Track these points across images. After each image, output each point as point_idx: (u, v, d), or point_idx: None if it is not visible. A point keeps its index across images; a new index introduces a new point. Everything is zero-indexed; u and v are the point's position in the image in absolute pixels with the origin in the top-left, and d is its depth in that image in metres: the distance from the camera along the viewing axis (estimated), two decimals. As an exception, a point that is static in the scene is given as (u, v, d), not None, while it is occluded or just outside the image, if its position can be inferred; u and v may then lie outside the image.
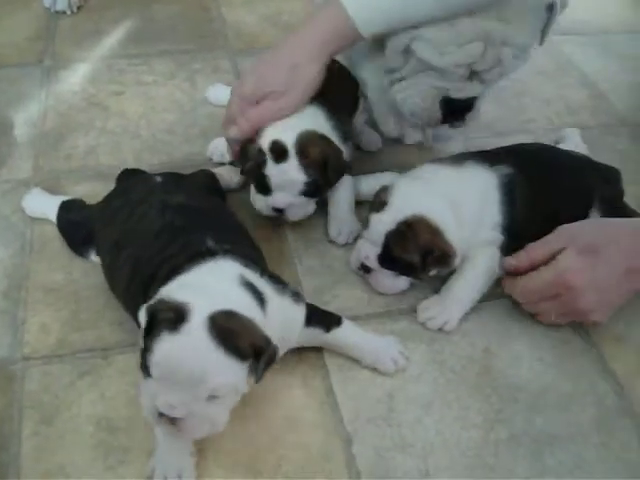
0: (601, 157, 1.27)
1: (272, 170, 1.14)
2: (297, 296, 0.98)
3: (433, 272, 1.10)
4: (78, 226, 1.15)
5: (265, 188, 1.16)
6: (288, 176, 1.14)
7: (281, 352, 0.94)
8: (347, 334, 1.03)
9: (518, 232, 1.12)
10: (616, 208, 1.19)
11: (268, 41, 1.65)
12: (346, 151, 1.21)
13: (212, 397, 0.82)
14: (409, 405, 1.00)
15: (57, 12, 1.76)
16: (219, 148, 1.34)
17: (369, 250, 1.10)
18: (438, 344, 1.08)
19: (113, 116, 1.46)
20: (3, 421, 0.95)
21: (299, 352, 1.04)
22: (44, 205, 1.21)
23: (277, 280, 0.97)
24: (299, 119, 1.16)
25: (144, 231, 1.02)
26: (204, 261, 0.92)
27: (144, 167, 1.26)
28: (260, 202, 1.19)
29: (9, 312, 1.05)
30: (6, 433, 0.94)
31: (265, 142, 1.15)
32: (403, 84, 1.22)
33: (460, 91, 1.20)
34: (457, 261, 1.09)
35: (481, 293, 1.11)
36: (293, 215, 1.19)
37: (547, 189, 1.15)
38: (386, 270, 1.11)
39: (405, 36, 1.16)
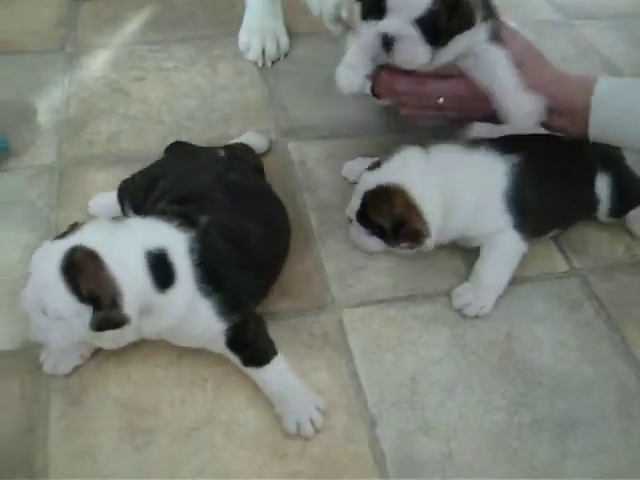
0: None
1: None
2: (225, 315, 0.94)
3: (404, 245, 1.10)
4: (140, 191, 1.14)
5: (379, 8, 1.01)
6: None
7: (193, 343, 0.98)
8: (267, 376, 0.97)
9: (531, 212, 1.11)
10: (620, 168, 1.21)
11: (289, 25, 1.65)
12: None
13: (47, 313, 0.87)
14: (432, 388, 1.01)
15: (77, -1, 1.77)
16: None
17: (354, 201, 1.13)
18: (461, 328, 1.08)
19: (135, 102, 1.47)
20: (31, 404, 0.96)
21: (324, 336, 1.05)
22: (110, 203, 1.20)
23: (220, 288, 0.94)
24: None
25: (189, 186, 1.06)
26: (168, 221, 0.95)
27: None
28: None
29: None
30: (34, 415, 0.95)
31: None
32: None
33: None
34: (430, 243, 1.09)
35: (510, 274, 1.11)
36: (401, 53, 1.02)
37: (553, 171, 1.14)
38: (361, 227, 1.13)
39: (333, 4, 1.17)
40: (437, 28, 1.00)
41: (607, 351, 1.07)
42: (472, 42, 1.04)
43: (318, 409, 0.96)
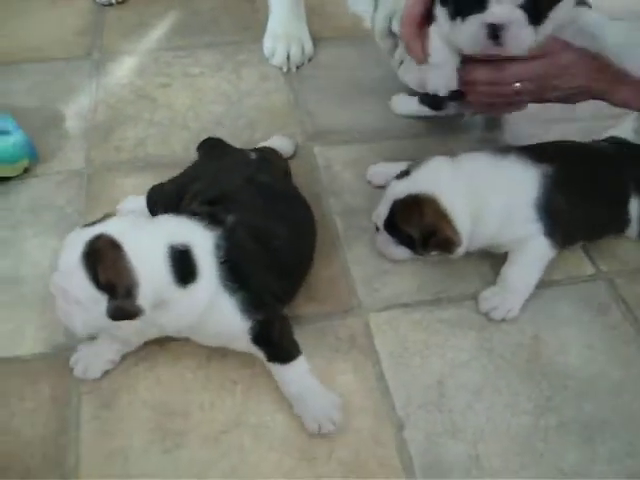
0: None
1: None
2: (249, 314, 0.94)
3: (434, 253, 1.10)
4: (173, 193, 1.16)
5: (480, 0, 0.99)
6: None
7: (215, 342, 0.99)
8: (288, 375, 0.97)
9: (563, 221, 1.11)
10: None
11: (313, 30, 1.66)
12: None
13: (66, 297, 0.90)
14: (459, 391, 1.01)
15: (103, 4, 1.78)
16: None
17: (381, 211, 1.12)
18: (487, 331, 1.09)
19: (161, 108, 1.48)
20: (62, 406, 0.98)
21: (350, 338, 1.06)
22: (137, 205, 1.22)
23: (245, 287, 0.95)
24: None
25: (221, 187, 1.07)
26: (197, 220, 0.97)
27: (192, 158, 1.28)
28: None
29: (66, 300, 1.07)
30: (65, 417, 0.97)
31: None
32: (405, 66, 1.23)
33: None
34: (461, 251, 1.08)
35: (537, 279, 1.11)
36: (512, 39, 1.00)
37: (587, 185, 1.14)
38: (388, 235, 1.12)
39: (385, 18, 1.16)
40: (537, 5, 0.99)
41: (635, 354, 1.07)
42: (566, 11, 1.03)
43: (336, 407, 0.96)
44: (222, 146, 1.24)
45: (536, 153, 1.13)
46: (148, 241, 0.91)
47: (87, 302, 0.88)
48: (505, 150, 1.15)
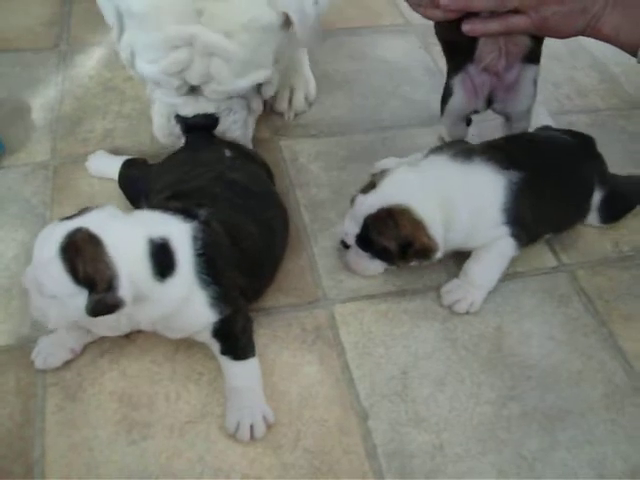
0: (611, 139, 1.28)
1: None
2: (218, 307, 0.95)
3: (414, 263, 1.10)
4: (138, 181, 1.18)
5: None
6: None
7: (181, 334, 0.99)
8: (235, 368, 0.98)
9: (528, 223, 1.12)
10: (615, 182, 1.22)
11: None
12: None
13: (42, 291, 0.89)
14: (423, 381, 1.02)
15: (70, -4, 1.77)
16: None
17: (350, 227, 1.09)
18: (451, 323, 1.10)
19: (129, 100, 1.48)
20: (27, 398, 0.97)
21: (316, 330, 1.07)
22: (107, 165, 1.26)
23: (217, 280, 0.95)
24: None
25: (192, 185, 1.07)
26: (172, 213, 0.97)
27: (160, 150, 1.29)
28: None
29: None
30: (30, 409, 0.96)
31: None
32: (152, 105, 1.24)
33: (186, 106, 1.18)
34: (438, 255, 1.08)
35: (499, 275, 1.12)
36: None
37: (553, 186, 1.15)
38: (361, 251, 1.11)
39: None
40: None
41: (595, 345, 1.09)
42: None
43: (265, 420, 0.95)
44: (203, 139, 1.23)
45: (500, 155, 1.13)
46: (127, 234, 0.91)
47: (63, 296, 0.88)
48: (466, 153, 1.13)
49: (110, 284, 0.86)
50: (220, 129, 1.21)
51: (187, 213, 0.97)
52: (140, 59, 1.15)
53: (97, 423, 0.95)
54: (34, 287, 0.90)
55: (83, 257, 0.86)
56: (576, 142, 1.22)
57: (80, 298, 0.87)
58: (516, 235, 1.11)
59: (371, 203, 1.07)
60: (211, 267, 0.94)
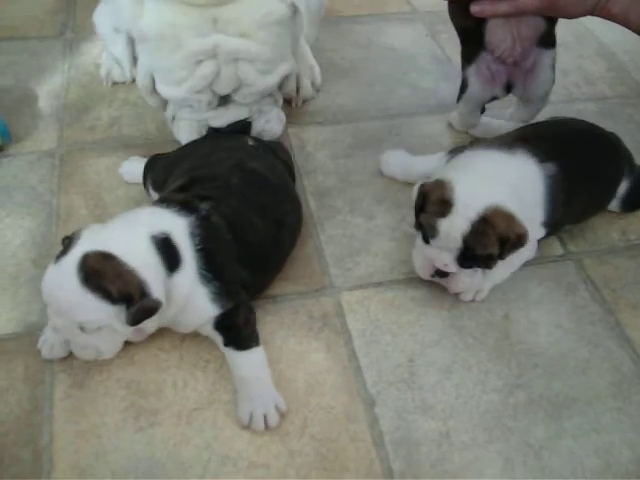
0: (619, 128, 1.27)
1: None
2: (220, 303, 0.96)
3: (509, 254, 1.05)
4: (157, 169, 1.17)
5: None
6: None
7: (186, 329, 1.00)
8: (241, 359, 0.97)
9: (556, 225, 1.13)
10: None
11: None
12: None
13: (86, 328, 0.89)
14: (430, 369, 1.02)
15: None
16: None
17: (444, 257, 1.03)
18: (458, 310, 1.10)
19: (135, 87, 1.47)
20: (36, 385, 0.98)
21: (323, 318, 1.07)
22: (141, 169, 1.22)
23: (218, 275, 0.96)
24: None
25: (209, 171, 1.07)
26: (167, 207, 0.97)
27: (167, 138, 1.28)
28: None
29: (39, 279, 1.06)
30: (38, 397, 0.97)
31: None
32: (177, 123, 1.21)
33: (218, 119, 1.17)
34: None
35: (512, 272, 1.12)
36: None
37: (587, 182, 1.14)
38: (467, 270, 1.05)
39: (145, 75, 1.15)
40: None
41: (602, 333, 1.09)
42: None
43: (277, 408, 0.95)
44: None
45: (543, 146, 1.10)
46: (129, 239, 0.91)
47: (109, 321, 0.89)
48: (510, 144, 1.11)
49: (143, 290, 0.87)
50: (255, 131, 1.21)
51: (187, 207, 0.97)
52: (163, 83, 1.14)
53: (105, 410, 0.96)
54: (74, 332, 0.90)
55: (108, 277, 0.86)
56: (606, 132, 1.21)
57: (122, 315, 0.88)
58: (543, 238, 1.12)
59: (460, 222, 1.00)
60: (211, 262, 0.95)
